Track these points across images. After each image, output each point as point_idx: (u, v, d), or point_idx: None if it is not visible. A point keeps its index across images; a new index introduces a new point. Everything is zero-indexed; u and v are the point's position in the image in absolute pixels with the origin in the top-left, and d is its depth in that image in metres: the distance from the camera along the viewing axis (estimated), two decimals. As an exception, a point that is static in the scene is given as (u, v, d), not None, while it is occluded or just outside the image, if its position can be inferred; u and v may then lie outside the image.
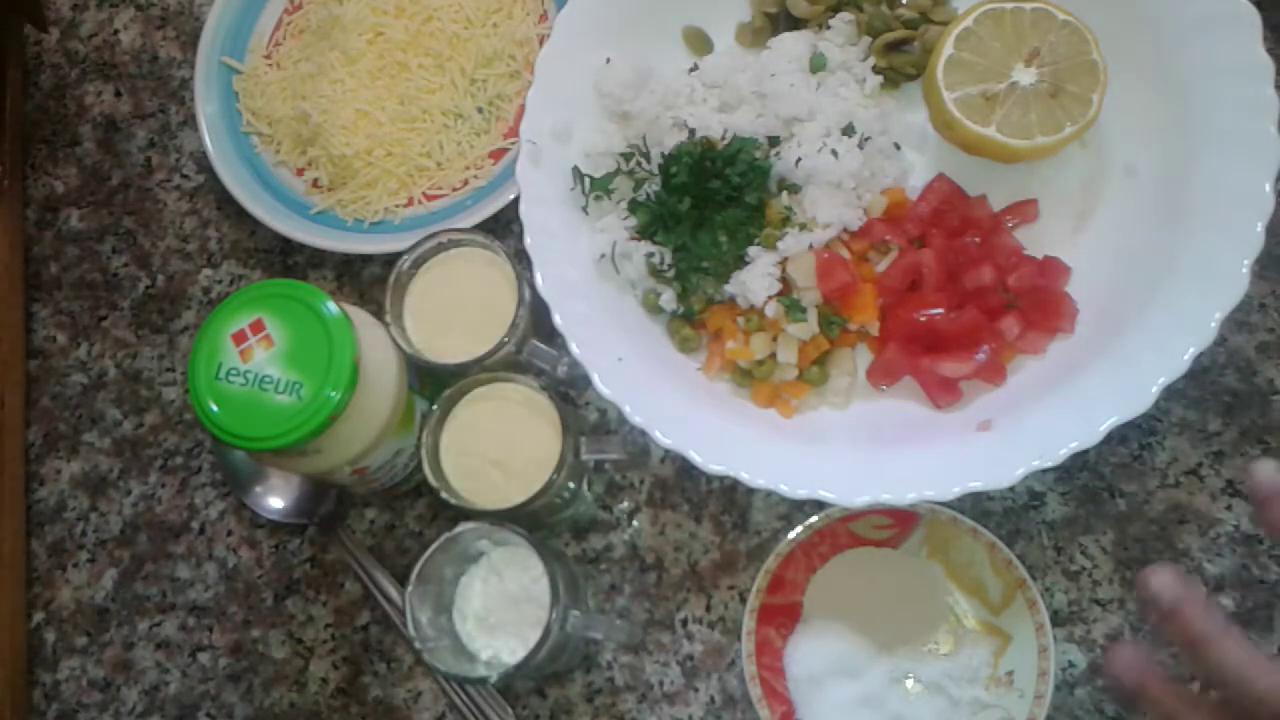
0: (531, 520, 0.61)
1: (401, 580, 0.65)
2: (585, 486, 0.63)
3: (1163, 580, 0.44)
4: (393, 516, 0.66)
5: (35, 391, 0.74)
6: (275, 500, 0.67)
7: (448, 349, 0.60)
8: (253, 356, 0.53)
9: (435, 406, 0.58)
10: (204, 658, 0.66)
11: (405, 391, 0.58)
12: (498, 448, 0.59)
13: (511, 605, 0.58)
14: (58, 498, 0.71)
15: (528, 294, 0.60)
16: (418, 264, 0.62)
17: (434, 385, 0.62)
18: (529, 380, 0.58)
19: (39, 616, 0.69)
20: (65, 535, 0.70)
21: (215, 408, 0.52)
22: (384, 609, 0.64)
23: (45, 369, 0.74)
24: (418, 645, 0.54)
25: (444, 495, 0.57)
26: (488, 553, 0.59)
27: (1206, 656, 0.43)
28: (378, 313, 0.60)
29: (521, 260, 0.61)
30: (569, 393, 0.67)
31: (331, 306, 0.53)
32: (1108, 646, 0.49)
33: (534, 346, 0.61)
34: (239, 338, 0.53)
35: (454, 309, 0.62)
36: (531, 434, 0.58)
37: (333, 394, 0.52)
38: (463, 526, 0.56)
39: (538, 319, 0.61)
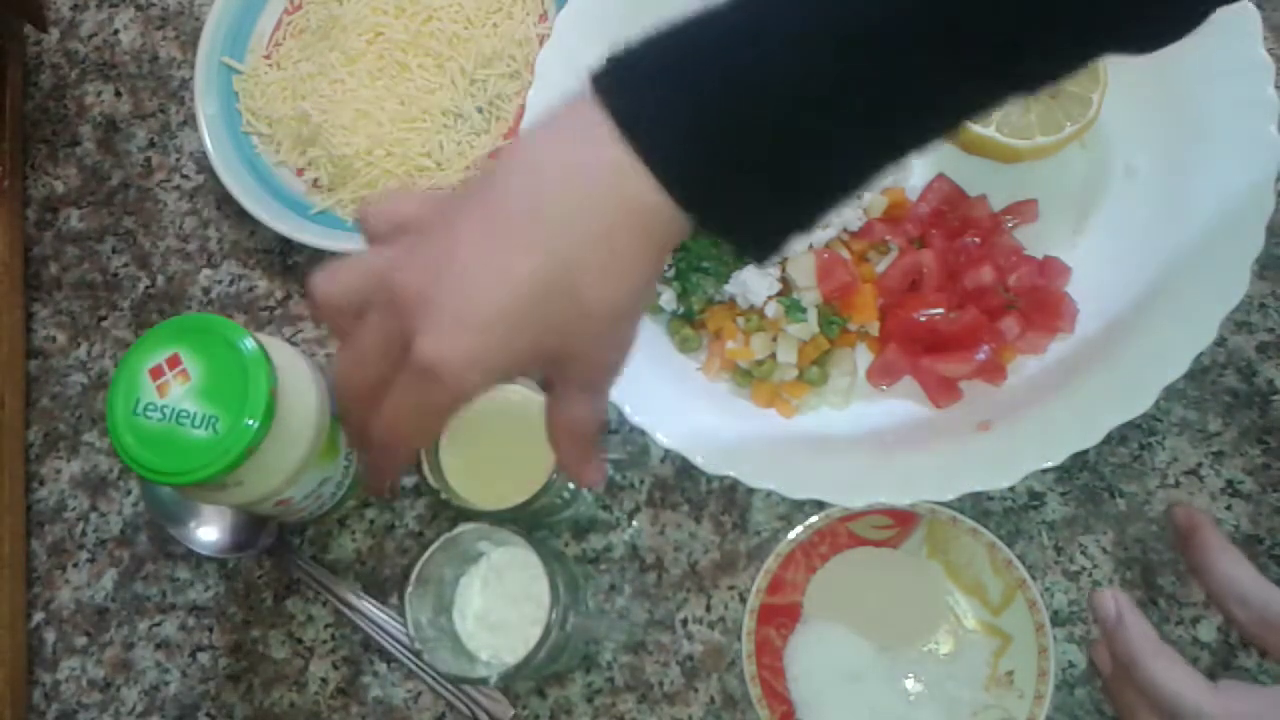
0: (531, 520, 0.61)
1: (384, 588, 0.65)
2: (585, 489, 0.63)
3: (1103, 600, 0.48)
4: (392, 517, 0.66)
5: (35, 391, 0.74)
6: (210, 534, 0.66)
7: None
8: (169, 391, 0.53)
9: None
10: (204, 658, 0.66)
11: (327, 421, 0.58)
12: (498, 448, 0.59)
13: (511, 605, 0.58)
14: (58, 498, 0.71)
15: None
16: None
17: None
18: (528, 380, 0.58)
19: (39, 616, 0.69)
20: (65, 535, 0.70)
21: (133, 443, 0.52)
22: (363, 630, 0.64)
23: (45, 369, 0.74)
24: (418, 646, 0.54)
25: (444, 496, 0.57)
26: (488, 553, 0.59)
27: (1136, 674, 0.46)
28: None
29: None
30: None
31: (249, 342, 0.54)
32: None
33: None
34: (156, 373, 0.54)
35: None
36: (532, 434, 0.58)
37: (249, 424, 0.52)
38: (462, 527, 0.56)
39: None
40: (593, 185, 0.37)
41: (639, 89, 0.37)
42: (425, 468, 0.57)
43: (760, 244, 0.40)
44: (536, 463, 0.57)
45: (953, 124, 0.40)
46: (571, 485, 0.61)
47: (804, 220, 0.40)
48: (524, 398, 0.59)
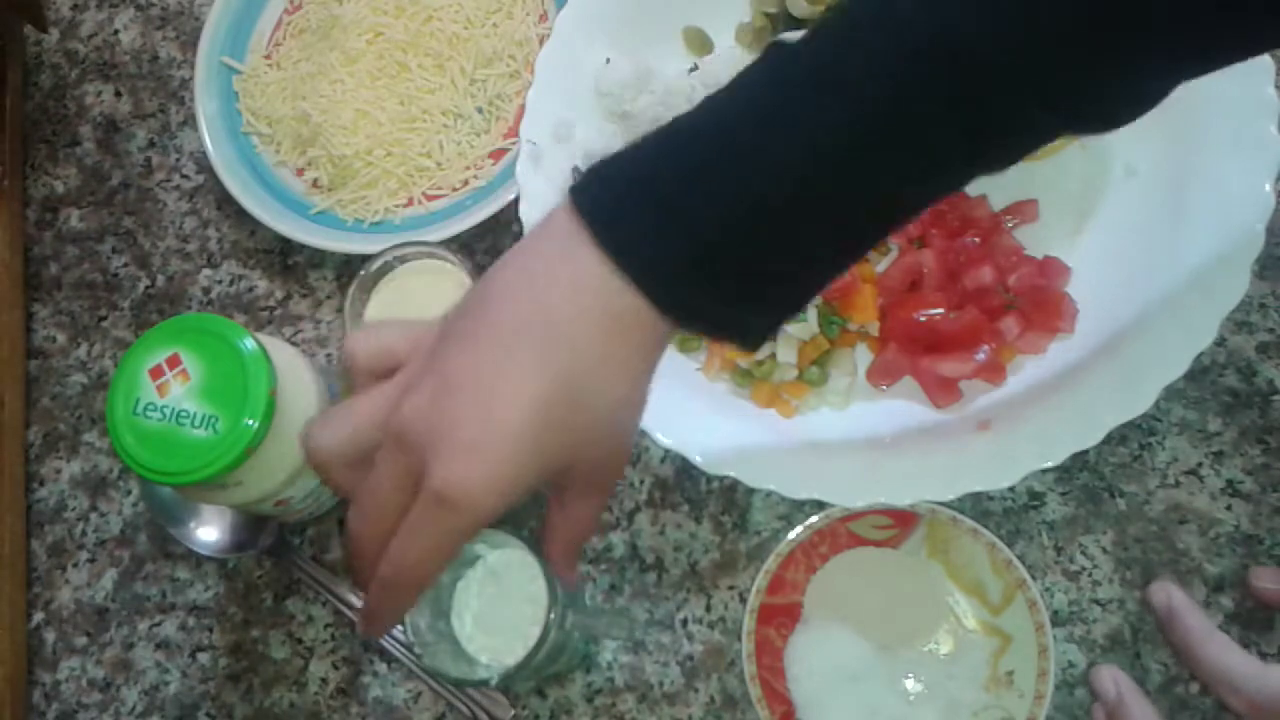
0: (517, 522, 0.61)
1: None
2: None
3: (1159, 590, 0.51)
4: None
5: (35, 391, 0.74)
6: (210, 534, 0.66)
7: None
8: (169, 391, 0.53)
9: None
10: (204, 658, 0.66)
11: None
12: None
13: (510, 607, 0.58)
14: (58, 498, 0.71)
15: None
16: (376, 278, 0.62)
17: None
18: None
19: (39, 616, 0.69)
20: (65, 535, 0.70)
21: (133, 443, 0.52)
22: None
23: (45, 369, 0.74)
24: (418, 650, 0.54)
25: None
26: (484, 556, 0.59)
27: (1193, 659, 0.49)
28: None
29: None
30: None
31: (249, 342, 0.54)
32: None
33: None
34: (156, 373, 0.54)
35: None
36: None
37: (249, 424, 0.52)
38: None
39: None
40: (581, 298, 0.38)
41: (615, 207, 0.38)
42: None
43: (746, 340, 0.41)
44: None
45: (918, 212, 0.42)
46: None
47: (783, 317, 0.41)
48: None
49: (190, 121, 0.78)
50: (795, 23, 0.68)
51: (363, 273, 0.60)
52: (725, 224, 0.37)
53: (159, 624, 0.68)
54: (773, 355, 0.62)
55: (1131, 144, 0.63)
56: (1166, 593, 0.51)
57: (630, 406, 0.41)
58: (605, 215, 0.38)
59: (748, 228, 0.37)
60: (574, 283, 0.38)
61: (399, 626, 0.55)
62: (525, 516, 0.63)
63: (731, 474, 0.58)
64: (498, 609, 0.58)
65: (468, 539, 0.40)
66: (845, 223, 0.39)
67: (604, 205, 0.38)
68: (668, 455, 0.64)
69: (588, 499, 0.44)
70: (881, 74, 0.36)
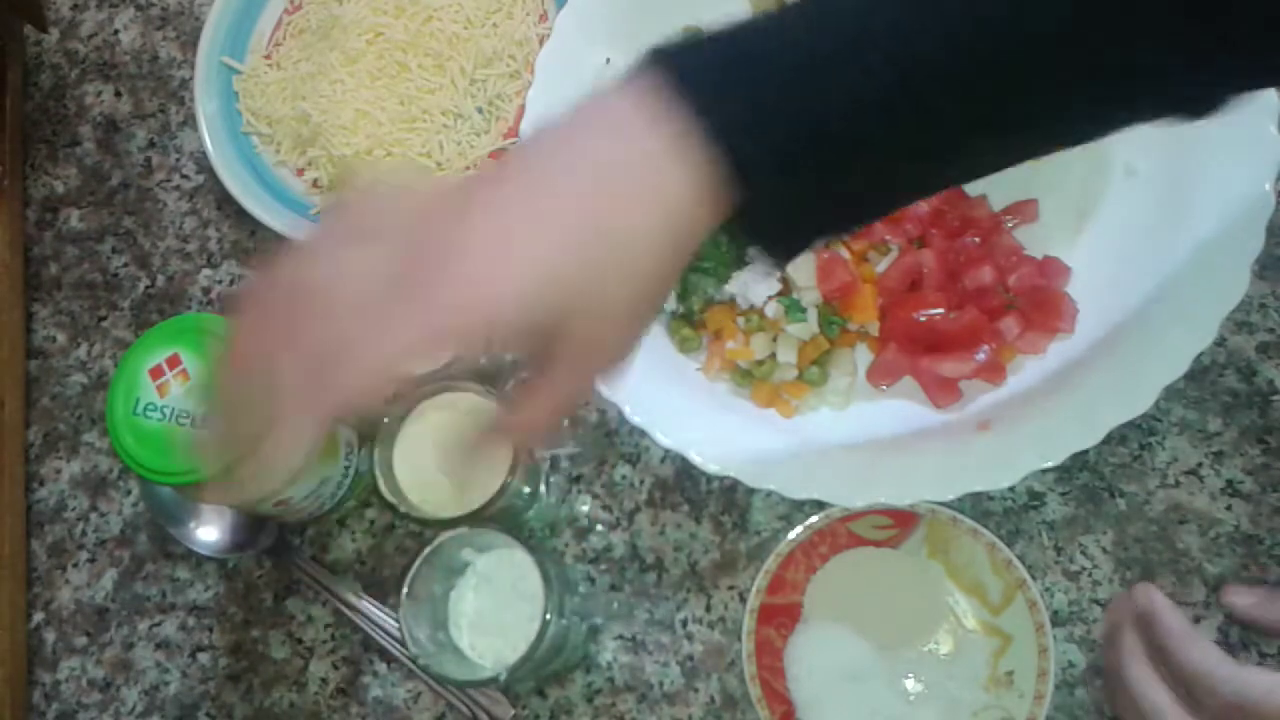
0: (506, 521, 0.61)
1: (384, 588, 0.65)
2: (543, 488, 0.63)
3: (1140, 592, 0.51)
4: (393, 516, 0.66)
5: (35, 391, 0.74)
6: (210, 534, 0.66)
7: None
8: (169, 391, 0.53)
9: (386, 421, 0.58)
10: (204, 658, 0.66)
11: None
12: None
13: (506, 608, 0.58)
14: (58, 498, 0.71)
15: None
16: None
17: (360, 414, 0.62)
18: (475, 387, 0.58)
19: (39, 616, 0.69)
20: (65, 535, 0.70)
21: (133, 443, 0.52)
22: (363, 629, 0.64)
23: (45, 369, 0.74)
24: (422, 662, 0.54)
25: (402, 510, 0.57)
26: (473, 562, 0.59)
27: (1172, 660, 0.48)
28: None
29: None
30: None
31: None
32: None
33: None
34: (156, 373, 0.54)
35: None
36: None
37: None
38: (443, 536, 0.56)
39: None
40: (636, 171, 0.37)
41: (707, 79, 0.37)
42: (382, 485, 0.57)
43: (789, 246, 0.41)
44: (492, 468, 0.56)
45: (986, 171, 0.41)
46: (527, 489, 0.61)
47: (837, 229, 0.41)
48: (473, 404, 0.59)
49: (190, 121, 0.78)
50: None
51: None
52: (820, 121, 0.37)
53: (159, 624, 0.68)
54: (773, 355, 0.62)
55: (1131, 144, 0.63)
56: (1147, 595, 0.51)
57: (649, 291, 0.39)
58: (703, 86, 0.37)
59: (839, 131, 0.37)
60: (633, 158, 0.37)
61: (398, 628, 0.55)
62: (520, 516, 0.64)
63: (731, 474, 0.58)
64: (494, 612, 0.58)
65: (441, 347, 0.37)
66: (927, 151, 0.39)
67: (693, 77, 0.37)
68: (668, 455, 0.64)
69: (572, 374, 0.40)
70: None
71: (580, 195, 0.37)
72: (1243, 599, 0.57)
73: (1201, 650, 0.49)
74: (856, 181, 0.39)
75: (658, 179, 0.37)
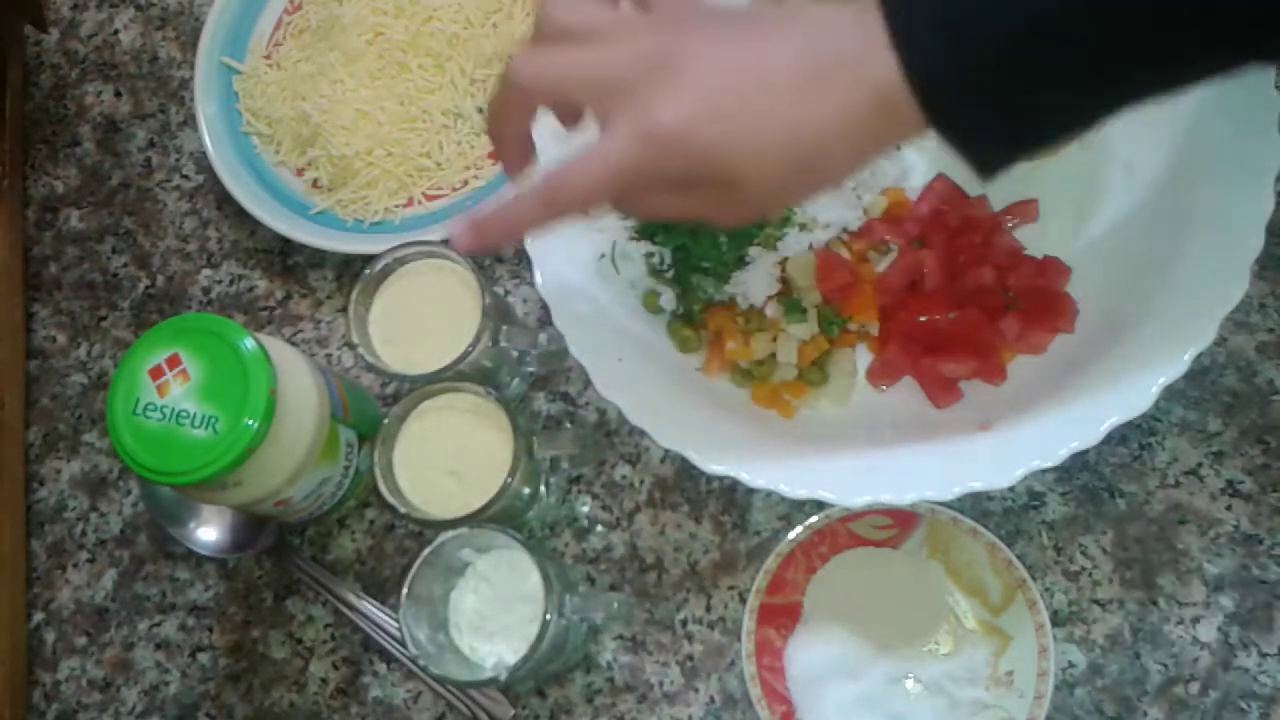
0: (505, 521, 0.61)
1: (384, 588, 0.65)
2: (543, 488, 0.63)
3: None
4: (392, 516, 0.66)
5: (35, 391, 0.74)
6: (210, 534, 0.66)
7: (416, 362, 0.60)
8: (169, 391, 0.53)
9: (385, 422, 0.58)
10: (204, 658, 0.66)
11: (328, 421, 0.58)
12: (451, 458, 0.59)
13: (506, 608, 0.58)
14: (58, 498, 0.71)
15: (489, 300, 0.59)
16: (378, 280, 0.62)
17: (360, 415, 0.62)
18: (476, 388, 0.58)
19: (39, 616, 0.69)
20: (65, 535, 0.70)
21: (133, 443, 0.52)
22: (363, 629, 0.64)
23: (45, 369, 0.74)
24: (422, 662, 0.54)
25: (402, 510, 0.57)
26: (472, 562, 0.59)
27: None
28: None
29: (521, 261, 0.61)
30: (567, 392, 0.67)
31: (249, 342, 0.54)
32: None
33: (508, 330, 0.60)
34: (156, 373, 0.54)
35: (418, 322, 0.61)
36: (483, 440, 0.58)
37: (249, 424, 0.52)
38: (442, 537, 0.56)
39: (507, 320, 0.62)
40: (853, 61, 0.39)
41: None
42: (381, 485, 0.57)
43: (992, 161, 0.41)
44: (491, 471, 0.57)
45: (1199, 80, 0.41)
46: (527, 490, 0.61)
47: (1040, 140, 0.41)
48: (474, 404, 0.59)
49: (190, 121, 0.78)
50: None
51: (366, 272, 0.61)
52: (1026, 27, 0.37)
53: (159, 624, 0.68)
54: (773, 355, 0.62)
55: (1131, 143, 0.63)
56: None
57: (842, 160, 0.42)
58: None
59: (1041, 39, 0.38)
60: (850, 52, 0.39)
61: (398, 630, 0.55)
62: (520, 516, 0.64)
63: (731, 474, 0.58)
64: (495, 613, 0.58)
65: (639, 178, 0.42)
66: (1130, 56, 0.39)
67: None
68: (667, 455, 0.64)
69: (703, 207, 0.44)
70: None
71: (790, 68, 0.40)
72: None
73: None
74: (1048, 94, 0.39)
75: (851, 75, 0.39)
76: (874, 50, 0.39)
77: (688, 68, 0.41)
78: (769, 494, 0.62)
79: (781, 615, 0.59)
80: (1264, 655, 0.58)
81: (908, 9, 0.39)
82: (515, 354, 0.63)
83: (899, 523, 0.59)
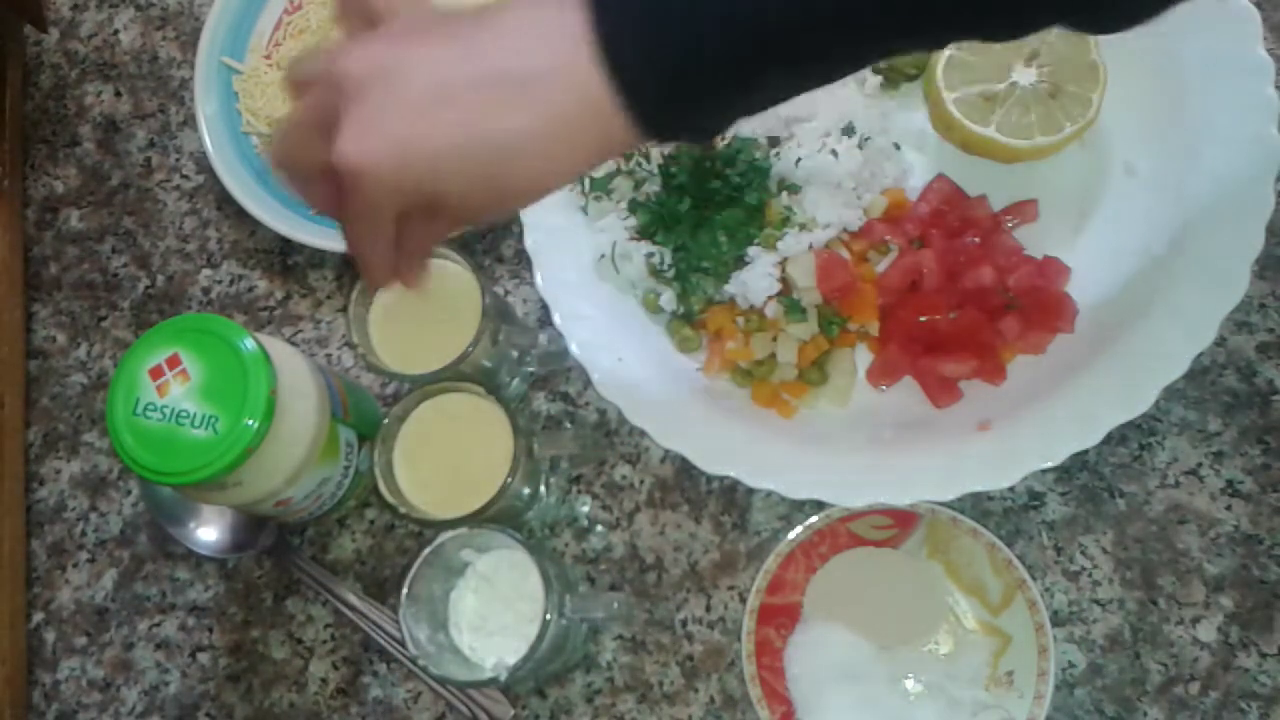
0: (505, 520, 0.61)
1: (384, 588, 0.65)
2: (543, 488, 0.63)
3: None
4: (392, 516, 0.66)
5: (35, 391, 0.74)
6: (210, 534, 0.66)
7: (416, 362, 0.59)
8: (169, 391, 0.53)
9: (385, 422, 0.58)
10: (204, 658, 0.66)
11: (328, 421, 0.58)
12: (451, 457, 0.59)
13: (506, 608, 0.58)
14: (58, 498, 0.71)
15: (489, 300, 0.59)
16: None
17: (360, 414, 0.62)
18: (476, 388, 0.58)
19: (39, 616, 0.69)
20: (65, 535, 0.70)
21: (133, 443, 0.52)
22: (363, 629, 0.64)
23: (45, 369, 0.74)
24: (422, 662, 0.54)
25: (402, 510, 0.57)
26: (472, 562, 0.59)
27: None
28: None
29: (521, 261, 0.61)
30: (567, 392, 0.67)
31: (249, 342, 0.54)
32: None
33: (508, 330, 0.60)
34: (156, 373, 0.54)
35: (418, 322, 0.61)
36: (483, 440, 0.58)
37: (249, 424, 0.52)
38: (443, 536, 0.56)
39: (507, 320, 0.62)
40: (558, 65, 0.38)
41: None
42: (381, 485, 0.57)
43: (699, 135, 0.42)
44: (491, 471, 0.57)
45: (909, 50, 0.42)
46: (527, 490, 0.61)
47: (740, 114, 0.42)
48: (474, 404, 0.59)
49: (190, 121, 0.78)
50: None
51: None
52: (720, 23, 0.38)
53: (159, 624, 0.68)
54: (773, 355, 0.62)
55: (1131, 143, 0.63)
56: None
57: (535, 196, 0.42)
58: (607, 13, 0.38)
59: (735, 31, 0.38)
60: (559, 61, 0.38)
61: (398, 630, 0.55)
62: (520, 516, 0.64)
63: (731, 474, 0.58)
64: (494, 613, 0.58)
65: (371, 217, 0.41)
66: (819, 49, 0.40)
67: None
68: (667, 455, 0.64)
69: (441, 229, 0.46)
70: None
71: (483, 81, 0.39)
72: None
73: None
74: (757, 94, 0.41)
75: (548, 90, 0.39)
76: (577, 61, 0.38)
77: (380, 98, 0.40)
78: (769, 494, 0.62)
79: (781, 615, 0.59)
80: (1264, 655, 0.58)
81: (614, 17, 0.38)
82: (515, 354, 0.63)
83: (899, 523, 0.59)
